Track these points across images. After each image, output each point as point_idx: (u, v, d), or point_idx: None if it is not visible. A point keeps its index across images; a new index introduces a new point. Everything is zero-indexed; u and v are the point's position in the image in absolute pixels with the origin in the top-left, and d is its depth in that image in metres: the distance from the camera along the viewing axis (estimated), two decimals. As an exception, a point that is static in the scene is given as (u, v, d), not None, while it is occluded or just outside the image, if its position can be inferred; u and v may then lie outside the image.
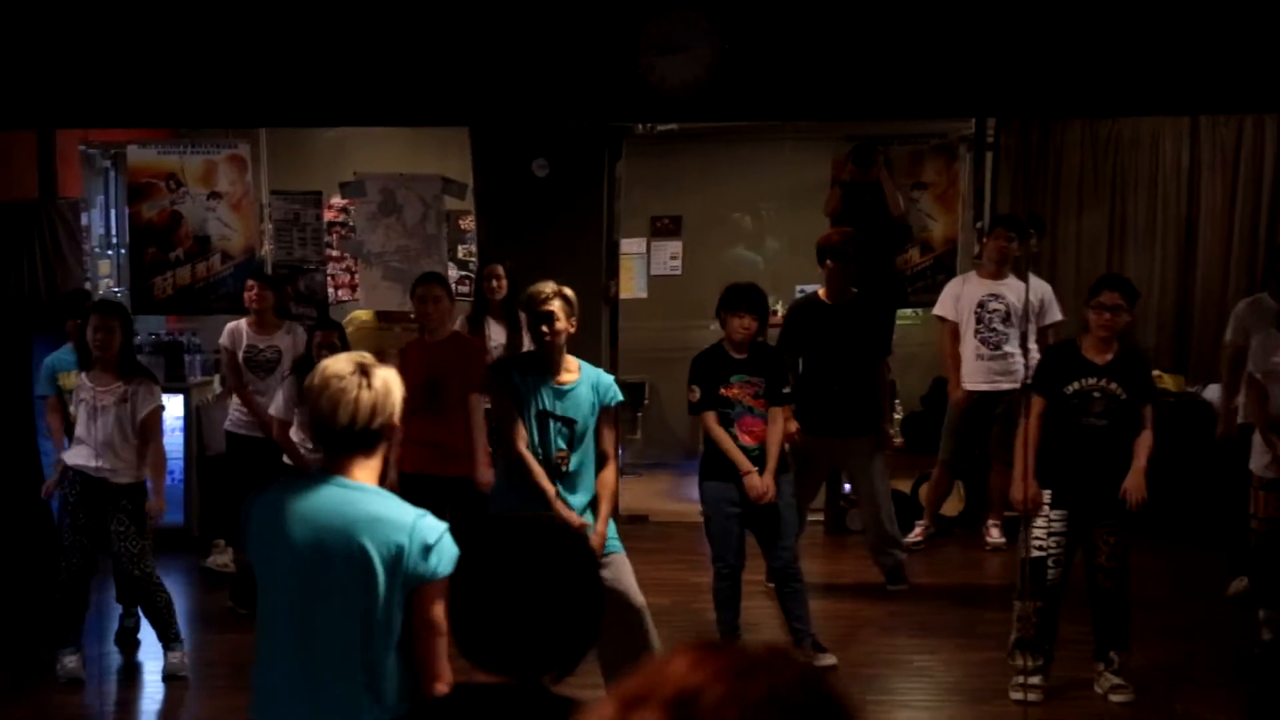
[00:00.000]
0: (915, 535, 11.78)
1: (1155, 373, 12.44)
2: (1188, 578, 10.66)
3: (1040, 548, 8.52)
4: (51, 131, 12.02)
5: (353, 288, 13.08)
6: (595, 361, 11.00)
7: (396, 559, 4.58)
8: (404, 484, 8.92)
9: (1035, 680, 8.65)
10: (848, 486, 12.41)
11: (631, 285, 14.06)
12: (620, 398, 7.87)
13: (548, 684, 3.15)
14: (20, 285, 11.53)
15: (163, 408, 9.44)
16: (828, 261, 10.45)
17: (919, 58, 7.14)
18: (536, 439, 7.65)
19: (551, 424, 7.64)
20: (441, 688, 4.63)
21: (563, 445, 7.65)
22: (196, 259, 12.59)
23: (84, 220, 12.68)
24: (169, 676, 9.31)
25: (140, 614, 9.94)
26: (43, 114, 8.90)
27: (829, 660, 9.24)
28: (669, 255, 14.73)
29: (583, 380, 7.71)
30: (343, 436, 4.70)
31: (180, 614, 9.52)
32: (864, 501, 10.68)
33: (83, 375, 9.20)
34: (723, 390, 9.06)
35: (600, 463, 7.79)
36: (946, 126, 12.80)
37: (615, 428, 7.93)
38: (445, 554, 4.57)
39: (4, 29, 7.32)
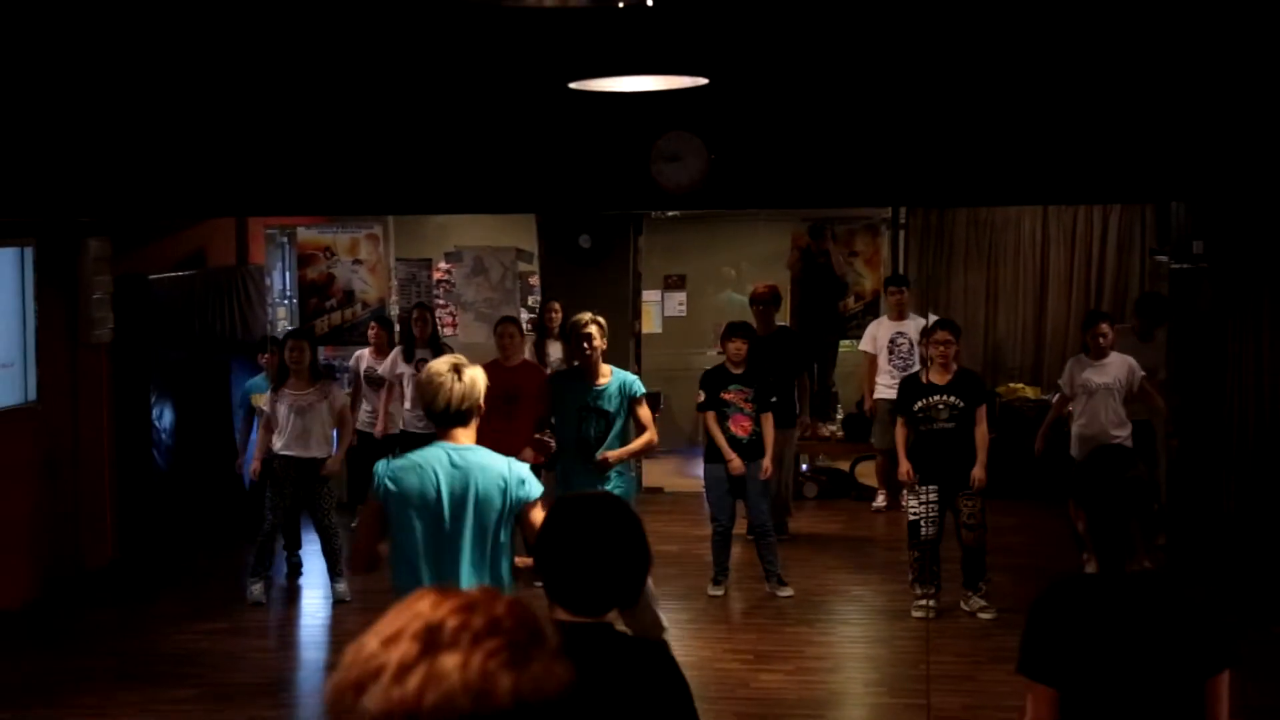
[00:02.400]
0: (879, 502, 11.72)
1: (1018, 384, 12.41)
2: (1039, 528, 10.57)
3: (915, 514, 8.62)
4: (245, 218, 12.03)
5: (453, 326, 13.02)
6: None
7: (503, 490, 4.75)
8: None
9: (930, 604, 8.65)
10: (805, 466, 12.34)
11: (651, 323, 14.05)
12: (642, 390, 7.76)
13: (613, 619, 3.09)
14: (224, 326, 11.51)
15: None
16: (757, 306, 10.53)
17: (852, 163, 7.09)
18: (576, 428, 7.59)
19: (589, 415, 7.56)
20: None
21: (594, 431, 7.55)
22: (344, 307, 12.58)
23: (267, 280, 12.67)
24: (338, 601, 9.25)
25: (301, 556, 9.92)
26: (240, 206, 8.91)
27: (787, 591, 9.14)
28: (677, 302, 14.72)
29: (613, 382, 7.63)
30: (442, 415, 4.80)
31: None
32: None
33: (283, 388, 9.16)
34: (723, 394, 9.12)
35: (640, 432, 7.72)
36: (872, 212, 12.81)
37: (645, 409, 7.77)
38: (532, 483, 4.80)
39: (215, 141, 7.28)
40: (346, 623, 9.10)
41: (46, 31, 6.53)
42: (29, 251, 9.20)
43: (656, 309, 14.40)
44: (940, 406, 8.61)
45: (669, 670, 3.09)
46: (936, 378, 8.66)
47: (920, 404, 8.65)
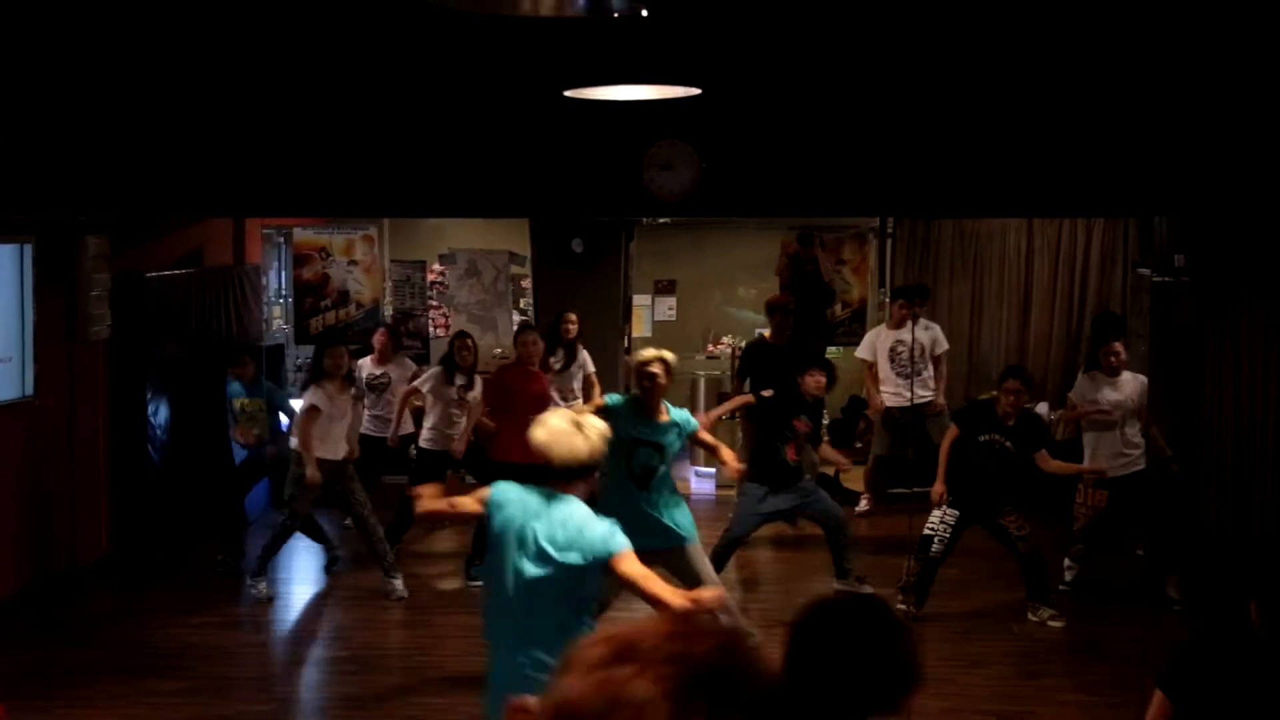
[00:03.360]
0: (863, 506, 11.74)
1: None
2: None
3: (932, 529, 8.62)
4: (243, 219, 12.03)
5: (446, 328, 13.02)
6: (612, 377, 11.00)
7: (589, 543, 4.59)
8: (507, 470, 7.98)
9: (910, 609, 8.66)
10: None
11: (641, 327, 14.06)
12: (695, 425, 7.63)
13: None
14: (220, 324, 11.50)
15: None
16: (775, 316, 10.54)
17: (841, 174, 7.11)
18: (627, 459, 7.20)
19: (641, 448, 7.28)
20: (698, 594, 4.78)
21: (645, 464, 7.29)
22: (339, 307, 12.58)
23: (263, 279, 12.66)
24: (398, 598, 9.25)
25: (338, 548, 10.12)
26: (237, 207, 8.90)
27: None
28: (667, 306, 14.73)
29: (672, 420, 7.40)
30: (560, 471, 4.69)
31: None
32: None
33: (320, 390, 9.22)
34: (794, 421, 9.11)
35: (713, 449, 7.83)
36: (860, 221, 12.83)
37: (706, 435, 7.91)
38: (620, 536, 4.60)
39: (214, 143, 7.28)
40: (336, 617, 9.11)
41: (47, 30, 6.53)
42: (28, 248, 9.20)
43: (647, 313, 14.42)
44: (998, 448, 8.68)
45: None
46: (1003, 418, 8.73)
47: (985, 438, 8.70)
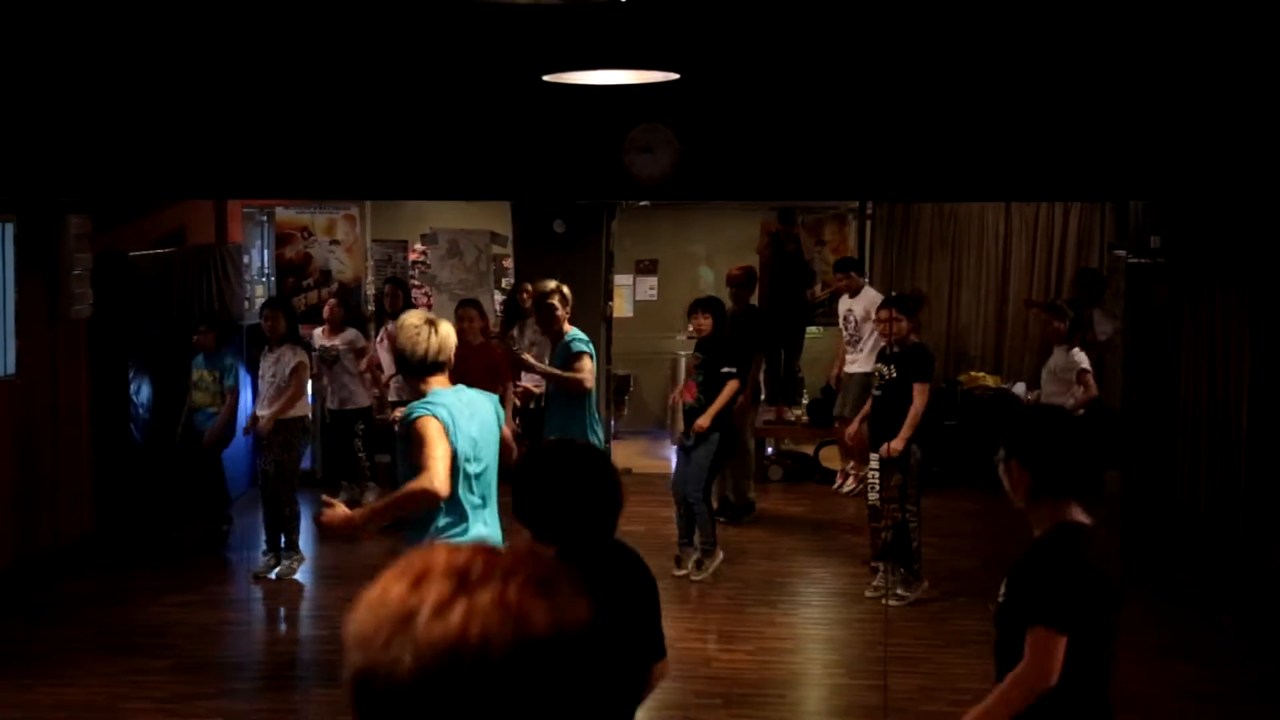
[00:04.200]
0: (851, 485, 11.72)
1: (980, 373, 12.47)
2: (994, 516, 10.61)
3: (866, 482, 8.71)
4: (224, 199, 11.99)
5: (428, 307, 13.00)
6: (597, 361, 11.05)
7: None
8: None
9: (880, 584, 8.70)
10: (770, 449, 12.40)
11: (622, 307, 14.02)
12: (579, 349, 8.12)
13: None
14: (201, 303, 11.47)
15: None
16: (730, 288, 10.80)
17: (819, 158, 7.11)
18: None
19: None
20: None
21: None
22: (321, 286, 12.56)
23: (245, 259, 12.62)
24: (280, 577, 9.26)
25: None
26: (219, 188, 8.88)
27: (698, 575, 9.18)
28: (649, 287, 14.71)
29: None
30: (419, 365, 4.97)
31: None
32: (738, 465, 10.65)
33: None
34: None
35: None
36: (840, 202, 12.84)
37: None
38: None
39: (196, 125, 7.26)
40: (321, 595, 9.12)
41: (29, 10, 6.50)
42: (9, 227, 9.16)
43: (628, 293, 14.40)
44: (877, 375, 8.57)
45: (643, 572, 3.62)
46: (886, 350, 8.59)
47: (875, 370, 8.68)
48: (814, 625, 8.51)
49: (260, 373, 9.44)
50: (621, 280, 13.88)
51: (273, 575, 9.18)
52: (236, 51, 7.00)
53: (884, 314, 8.60)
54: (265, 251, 13.19)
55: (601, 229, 12.20)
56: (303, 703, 7.18)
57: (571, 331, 8.18)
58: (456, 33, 6.48)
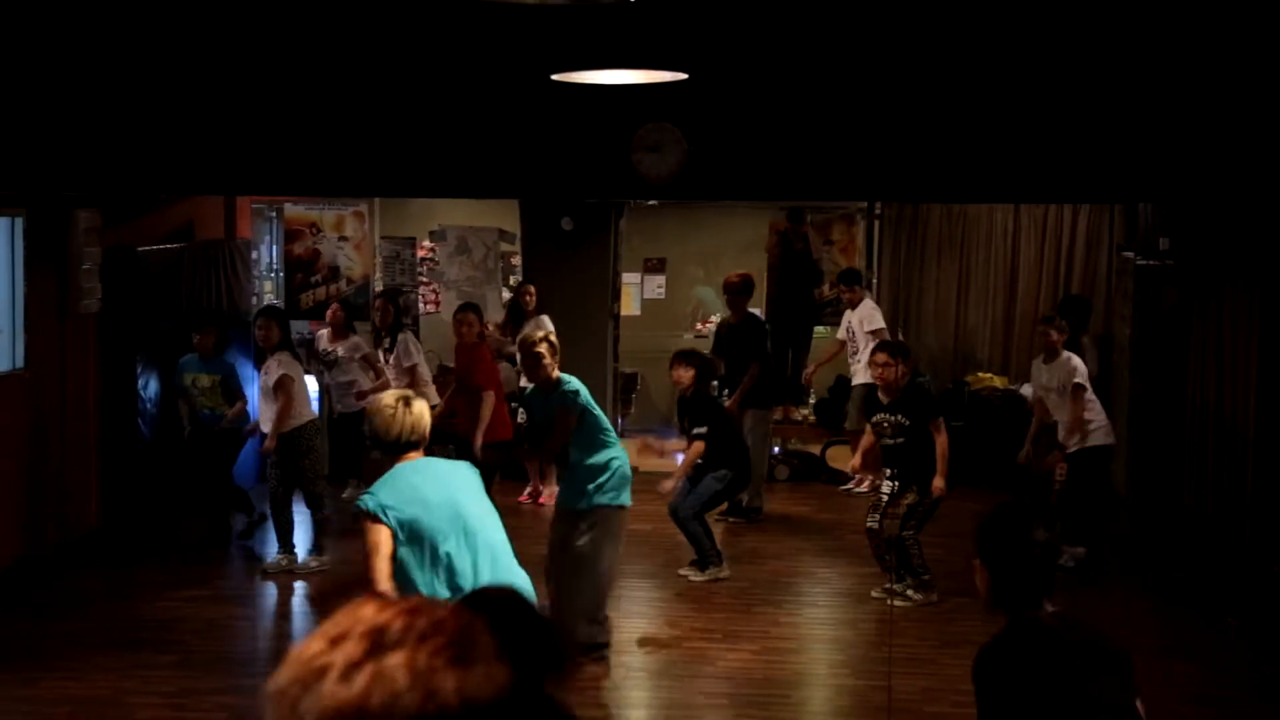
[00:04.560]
0: (864, 485, 11.64)
1: (987, 374, 12.44)
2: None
3: (874, 502, 8.63)
4: (233, 194, 12.00)
5: (436, 304, 13.03)
6: (601, 360, 11.06)
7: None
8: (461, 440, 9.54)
9: (893, 585, 8.75)
10: (777, 449, 12.38)
11: (630, 306, 14.05)
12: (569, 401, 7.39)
13: None
14: (210, 298, 11.49)
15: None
16: (727, 295, 10.68)
17: (828, 158, 7.11)
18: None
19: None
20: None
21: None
22: (330, 282, 12.58)
23: (254, 254, 12.65)
24: (277, 572, 9.29)
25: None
26: (228, 185, 8.89)
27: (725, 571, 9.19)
28: (656, 285, 14.71)
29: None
30: (394, 444, 4.98)
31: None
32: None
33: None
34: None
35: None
36: (848, 203, 12.83)
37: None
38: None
39: (206, 120, 7.26)
40: (325, 591, 9.12)
41: (39, 6, 6.51)
42: (19, 222, 9.18)
43: (636, 291, 14.40)
44: (885, 425, 8.56)
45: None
46: (884, 396, 8.61)
47: (875, 418, 8.65)
48: (819, 625, 8.51)
49: (260, 382, 9.42)
50: (629, 279, 13.89)
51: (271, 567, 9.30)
52: (247, 47, 7.01)
53: (881, 358, 8.61)
54: (274, 247, 13.22)
55: (610, 227, 12.20)
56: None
57: (564, 380, 7.43)
58: (466, 32, 6.49)
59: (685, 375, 8.98)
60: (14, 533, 9.30)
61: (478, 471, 5.26)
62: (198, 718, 6.83)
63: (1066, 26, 6.42)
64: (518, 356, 7.85)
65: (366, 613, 1.39)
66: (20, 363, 9.24)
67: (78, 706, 6.93)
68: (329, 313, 11.23)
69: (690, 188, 7.12)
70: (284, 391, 9.06)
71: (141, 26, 6.76)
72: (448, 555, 4.87)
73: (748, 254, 13.97)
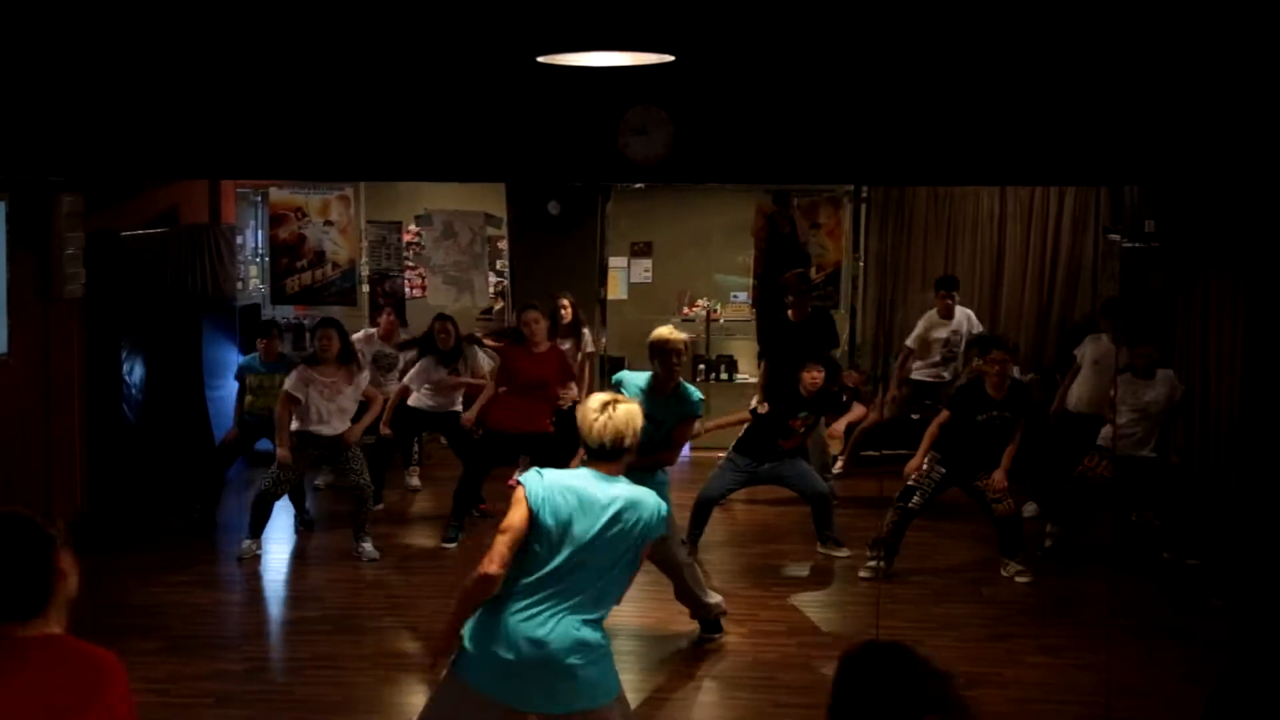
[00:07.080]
0: (838, 468, 11.69)
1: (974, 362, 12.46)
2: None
3: (915, 482, 8.71)
4: (218, 179, 11.95)
5: (422, 289, 12.99)
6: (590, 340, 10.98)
7: (644, 525, 4.74)
8: (490, 437, 9.58)
9: (880, 564, 8.79)
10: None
11: (617, 289, 14.01)
12: (696, 412, 7.47)
13: None
14: (195, 283, 11.45)
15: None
16: (788, 294, 10.64)
17: (815, 141, 7.08)
18: None
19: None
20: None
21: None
22: (315, 267, 12.54)
23: (239, 239, 12.60)
24: (368, 560, 9.28)
25: (312, 513, 10.27)
26: (211, 168, 8.81)
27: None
28: (643, 269, 14.67)
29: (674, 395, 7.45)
30: (595, 451, 4.80)
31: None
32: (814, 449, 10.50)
33: (312, 372, 9.19)
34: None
35: (666, 444, 7.31)
36: (834, 186, 12.82)
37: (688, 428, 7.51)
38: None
39: (190, 104, 7.21)
40: (311, 577, 9.12)
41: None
42: (1, 205, 9.12)
43: (623, 275, 14.36)
44: (998, 421, 8.78)
45: None
46: (994, 393, 8.79)
47: (983, 416, 8.78)
48: (807, 607, 8.51)
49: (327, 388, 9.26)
50: (616, 262, 13.86)
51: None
52: (230, 31, 6.96)
53: (999, 355, 8.83)
54: (259, 232, 13.17)
55: (596, 211, 12.19)
56: (294, 683, 7.17)
57: (688, 388, 7.53)
58: (451, 13, 6.44)
59: (819, 377, 9.20)
60: (-1, 519, 9.25)
61: (661, 530, 4.89)
62: (183, 703, 6.81)
63: (1053, 8, 6.40)
64: (649, 355, 7.63)
65: None
66: (3, 348, 9.19)
67: (64, 692, 6.89)
68: (384, 319, 11.16)
69: (677, 170, 7.09)
70: (373, 398, 9.52)
71: (125, 9, 6.71)
72: (561, 577, 4.66)
73: (735, 237, 13.96)
